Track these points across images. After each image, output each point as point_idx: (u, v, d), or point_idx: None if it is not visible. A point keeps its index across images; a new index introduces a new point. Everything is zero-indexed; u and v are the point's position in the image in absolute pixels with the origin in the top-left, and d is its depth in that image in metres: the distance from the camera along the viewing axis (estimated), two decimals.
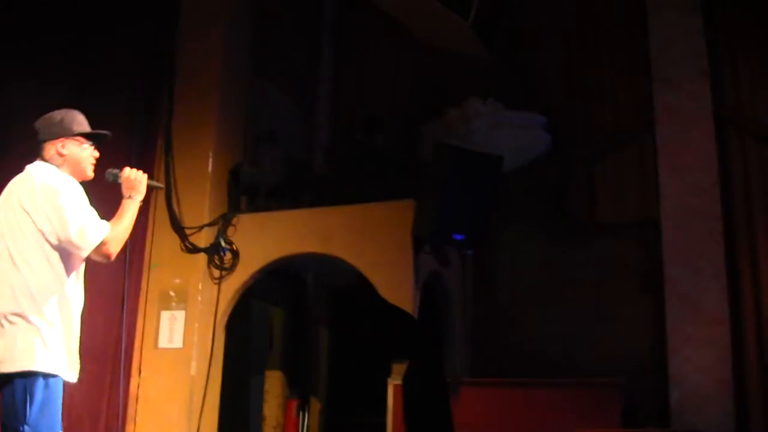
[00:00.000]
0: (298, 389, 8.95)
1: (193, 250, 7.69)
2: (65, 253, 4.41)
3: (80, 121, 4.75)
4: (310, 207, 7.81)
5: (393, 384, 8.06)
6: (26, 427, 4.15)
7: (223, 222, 7.73)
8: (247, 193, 7.95)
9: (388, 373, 8.12)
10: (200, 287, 7.63)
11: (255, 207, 7.91)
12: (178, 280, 7.67)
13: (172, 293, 7.64)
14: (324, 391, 9.03)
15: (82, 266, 4.57)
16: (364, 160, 8.11)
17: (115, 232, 4.51)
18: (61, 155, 4.65)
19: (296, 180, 8.19)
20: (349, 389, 8.83)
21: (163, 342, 7.60)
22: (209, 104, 8.01)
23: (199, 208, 7.78)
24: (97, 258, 4.45)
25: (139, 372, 7.64)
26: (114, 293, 7.72)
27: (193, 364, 7.50)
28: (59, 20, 8.59)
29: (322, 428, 8.94)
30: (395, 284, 7.25)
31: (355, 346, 8.82)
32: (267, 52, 8.58)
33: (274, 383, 8.82)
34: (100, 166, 7.86)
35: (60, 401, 4.35)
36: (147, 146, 8.02)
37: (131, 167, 7.61)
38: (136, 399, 7.60)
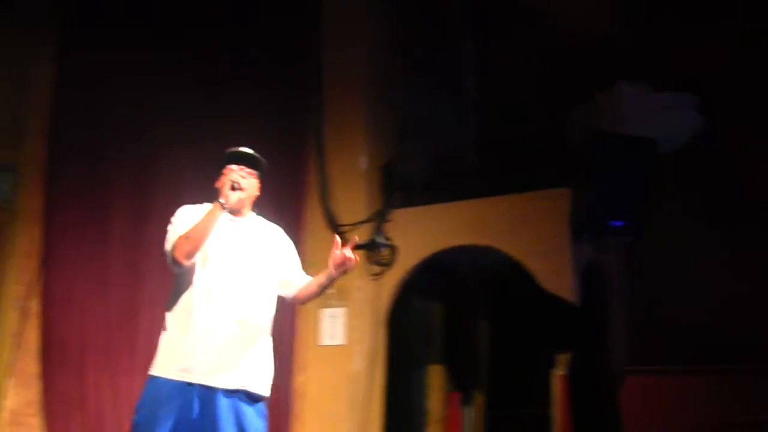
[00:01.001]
0: (460, 383, 8.91)
1: None
2: None
3: (230, 149, 4.93)
4: (464, 199, 7.71)
5: (558, 375, 7.94)
6: None
7: (379, 218, 7.73)
8: (401, 188, 7.92)
9: (551, 363, 8.00)
10: (359, 284, 7.65)
11: (409, 202, 7.87)
12: None
13: (331, 291, 7.67)
14: (486, 384, 8.96)
15: (206, 274, 4.72)
16: (515, 150, 8.00)
17: (179, 240, 4.64)
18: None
19: (448, 173, 8.11)
20: (511, 381, 8.73)
21: (325, 339, 7.68)
22: (358, 101, 8.04)
23: (355, 205, 7.80)
24: (176, 265, 4.65)
25: (303, 369, 7.72)
26: None
27: (356, 361, 7.55)
28: (203, 22, 8.77)
29: (486, 421, 8.88)
30: (555, 274, 7.13)
31: (516, 337, 8.71)
32: (411, 46, 8.54)
33: (435, 378, 8.81)
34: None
35: (161, 403, 4.52)
36: (298, 146, 8.12)
37: (285, 167, 7.84)
38: (301, 396, 7.69)
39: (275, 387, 7.55)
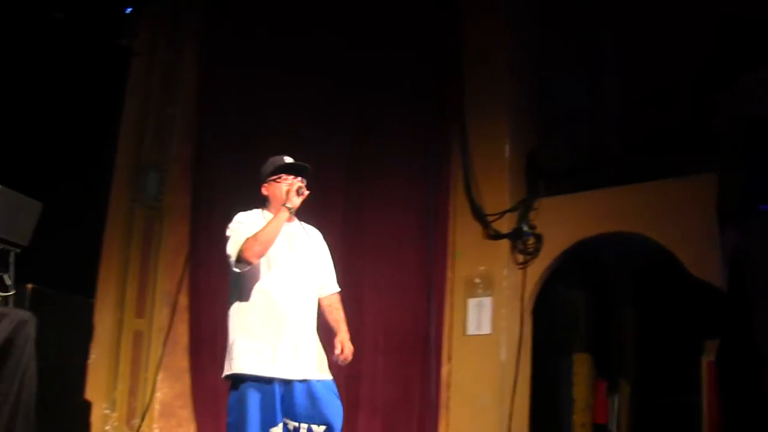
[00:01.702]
0: (606, 371, 8.84)
1: (496, 236, 7.71)
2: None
3: (276, 160, 5.28)
4: (609, 186, 7.63)
5: (706, 362, 7.80)
6: None
7: (524, 207, 7.72)
8: (545, 176, 7.90)
9: (700, 350, 7.86)
10: (505, 273, 7.66)
11: (554, 190, 7.84)
12: (482, 268, 7.72)
13: (477, 280, 7.71)
14: (632, 372, 8.87)
15: (272, 276, 5.04)
16: (660, 136, 7.88)
17: (249, 241, 4.90)
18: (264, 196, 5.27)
19: (593, 160, 8.04)
20: (658, 369, 8.61)
21: (472, 329, 7.69)
22: (501, 91, 8.02)
23: (499, 194, 7.80)
24: (243, 265, 4.91)
25: (450, 359, 7.76)
26: (419, 283, 7.92)
27: (503, 350, 7.55)
28: (341, 19, 8.90)
29: (633, 409, 8.79)
30: (702, 260, 7.01)
31: (663, 324, 8.59)
32: (553, 33, 8.48)
33: (581, 366, 8.75)
34: (400, 161, 8.13)
35: (250, 400, 4.87)
36: (441, 137, 8.15)
37: (427, 159, 7.91)
38: (448, 385, 7.73)
39: (422, 375, 7.74)
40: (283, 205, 5.01)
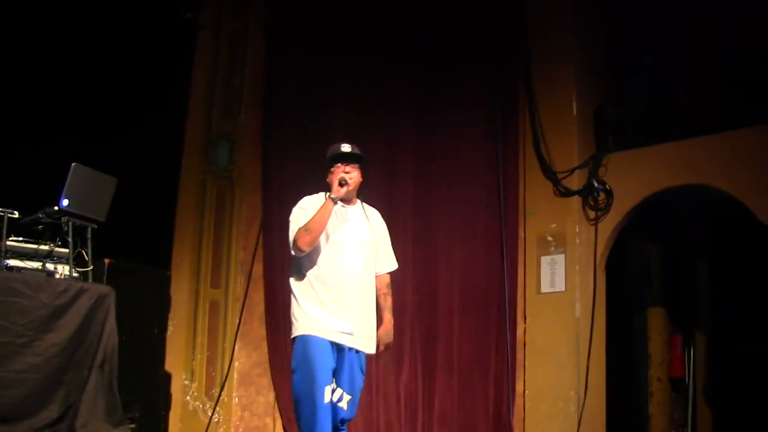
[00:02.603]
0: (682, 325, 8.80)
1: (567, 193, 7.69)
2: None
3: (333, 149, 5.71)
4: (678, 140, 7.53)
5: None
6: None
7: (594, 163, 7.67)
8: (613, 131, 7.83)
9: None
10: (577, 230, 7.64)
11: (623, 145, 7.77)
12: (554, 225, 7.72)
13: (549, 238, 7.71)
14: (708, 325, 8.82)
15: (329, 252, 5.55)
16: (727, 86, 7.78)
17: (300, 231, 5.46)
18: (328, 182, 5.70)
19: (662, 113, 7.96)
20: (734, 321, 8.55)
21: (545, 287, 7.71)
22: (566, 46, 7.95)
23: (568, 151, 7.77)
24: (299, 252, 5.49)
25: (524, 318, 7.79)
26: (493, 243, 7.94)
27: (577, 306, 7.55)
28: None
29: (710, 362, 8.74)
30: None
31: (737, 276, 8.52)
32: None
33: (656, 320, 8.74)
34: (469, 121, 8.11)
35: (316, 357, 5.38)
36: (508, 97, 8.13)
37: (495, 119, 7.92)
38: (524, 344, 7.78)
39: (498, 334, 7.77)
40: (328, 195, 5.50)
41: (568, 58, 7.92)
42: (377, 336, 5.66)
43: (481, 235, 8.05)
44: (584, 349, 7.48)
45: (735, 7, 7.95)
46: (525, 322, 7.79)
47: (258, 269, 9.25)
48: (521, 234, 7.90)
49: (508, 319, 7.73)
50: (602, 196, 7.61)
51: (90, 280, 7.08)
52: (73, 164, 6.98)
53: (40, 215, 6.92)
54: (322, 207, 5.46)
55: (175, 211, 9.36)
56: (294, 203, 5.65)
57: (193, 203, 9.30)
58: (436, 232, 8.31)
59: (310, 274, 5.56)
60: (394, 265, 5.97)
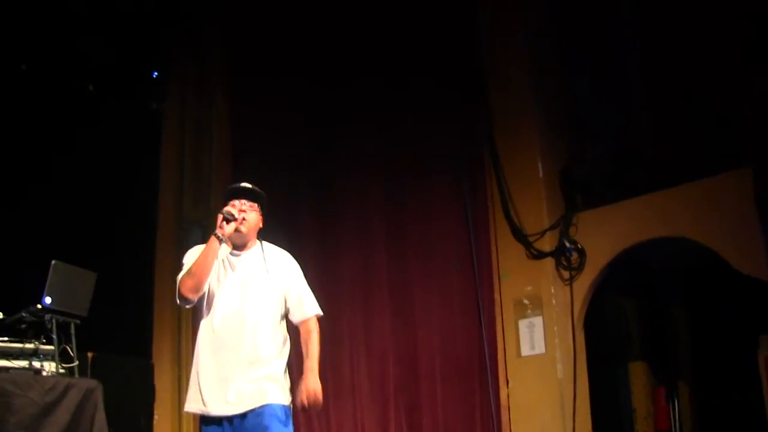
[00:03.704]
0: (664, 377, 8.83)
1: (539, 255, 7.77)
2: None
3: (229, 187, 5.17)
4: (646, 193, 7.64)
5: (764, 357, 7.77)
6: None
7: (564, 223, 7.76)
8: (581, 189, 7.95)
9: (756, 346, 7.84)
10: (552, 291, 7.70)
11: (592, 203, 7.89)
12: (529, 287, 7.78)
13: (525, 301, 7.76)
14: (690, 374, 8.85)
15: (212, 312, 4.85)
16: (691, 136, 7.90)
17: (183, 276, 4.82)
18: None
19: (628, 168, 8.07)
20: (715, 369, 8.59)
21: (526, 350, 7.73)
22: (527, 109, 8.10)
23: (538, 212, 7.86)
24: (184, 302, 4.83)
25: (507, 381, 7.80)
26: (470, 308, 8.00)
27: (559, 367, 7.58)
28: (366, 51, 9.10)
29: (695, 412, 8.77)
30: (747, 255, 6.96)
31: (716, 324, 8.58)
32: (574, 44, 8.54)
33: (638, 374, 8.77)
34: (437, 187, 8.19)
35: None
36: (475, 163, 8.26)
37: (463, 186, 7.96)
38: (508, 408, 7.77)
39: (482, 400, 7.78)
40: (213, 234, 4.80)
41: (529, 122, 8.06)
42: (298, 388, 4.76)
43: (458, 302, 8.10)
44: (569, 409, 7.50)
45: (695, 53, 8.10)
46: (508, 386, 7.79)
47: None
48: (497, 298, 7.95)
49: (491, 383, 7.75)
50: (575, 255, 7.69)
51: (76, 375, 7.09)
52: (53, 261, 7.03)
53: (24, 314, 6.92)
54: (205, 247, 4.76)
55: (153, 299, 9.38)
56: None
57: (169, 290, 9.30)
58: (413, 302, 8.36)
59: (199, 331, 4.89)
60: (311, 311, 5.00)
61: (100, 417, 6.82)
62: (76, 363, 7.15)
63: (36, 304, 6.93)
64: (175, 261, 9.35)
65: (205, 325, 4.86)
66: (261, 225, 5.04)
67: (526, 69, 8.21)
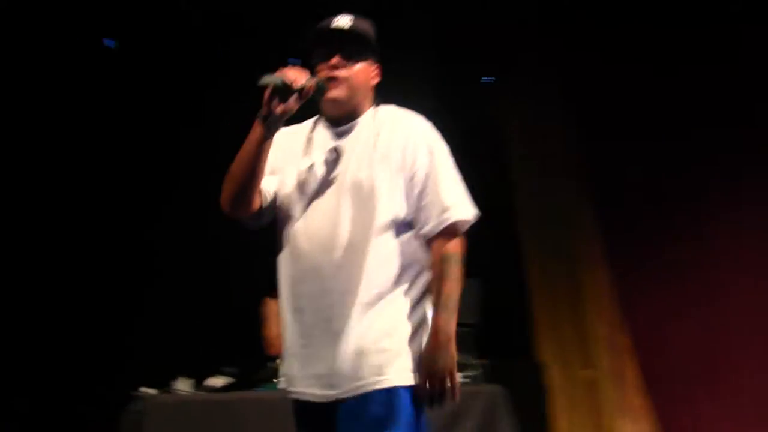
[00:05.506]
0: None
1: None
2: None
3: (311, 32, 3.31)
4: None
5: None
6: None
7: None
8: None
9: None
10: None
11: None
12: None
13: None
14: None
15: (292, 236, 3.20)
16: None
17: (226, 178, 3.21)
18: None
19: None
20: None
21: None
22: None
23: None
24: (247, 221, 3.30)
25: None
26: None
27: None
28: None
29: None
30: None
31: None
32: None
33: None
34: None
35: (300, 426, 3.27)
36: None
37: None
38: None
39: None
40: (259, 114, 3.07)
41: None
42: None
43: None
44: None
45: None
46: None
47: (621, 341, 9.04)
48: None
49: None
50: None
51: (479, 382, 7.19)
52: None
53: None
54: (248, 136, 3.08)
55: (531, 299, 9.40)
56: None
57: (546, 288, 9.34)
58: None
59: (279, 268, 3.25)
60: (455, 215, 3.12)
61: (509, 423, 6.90)
62: (480, 371, 7.22)
63: None
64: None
65: (284, 259, 3.22)
66: (374, 81, 3.33)
67: None
